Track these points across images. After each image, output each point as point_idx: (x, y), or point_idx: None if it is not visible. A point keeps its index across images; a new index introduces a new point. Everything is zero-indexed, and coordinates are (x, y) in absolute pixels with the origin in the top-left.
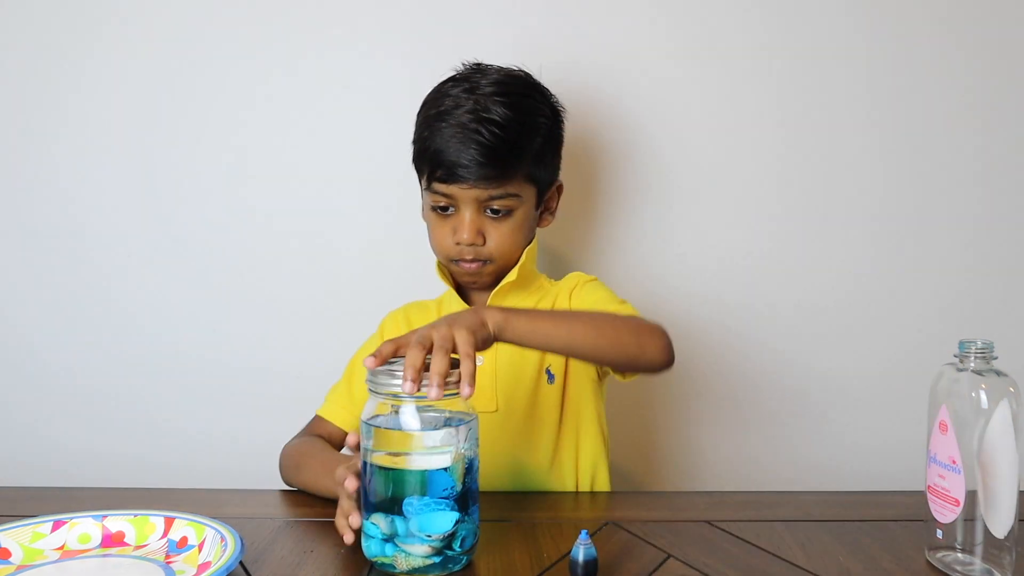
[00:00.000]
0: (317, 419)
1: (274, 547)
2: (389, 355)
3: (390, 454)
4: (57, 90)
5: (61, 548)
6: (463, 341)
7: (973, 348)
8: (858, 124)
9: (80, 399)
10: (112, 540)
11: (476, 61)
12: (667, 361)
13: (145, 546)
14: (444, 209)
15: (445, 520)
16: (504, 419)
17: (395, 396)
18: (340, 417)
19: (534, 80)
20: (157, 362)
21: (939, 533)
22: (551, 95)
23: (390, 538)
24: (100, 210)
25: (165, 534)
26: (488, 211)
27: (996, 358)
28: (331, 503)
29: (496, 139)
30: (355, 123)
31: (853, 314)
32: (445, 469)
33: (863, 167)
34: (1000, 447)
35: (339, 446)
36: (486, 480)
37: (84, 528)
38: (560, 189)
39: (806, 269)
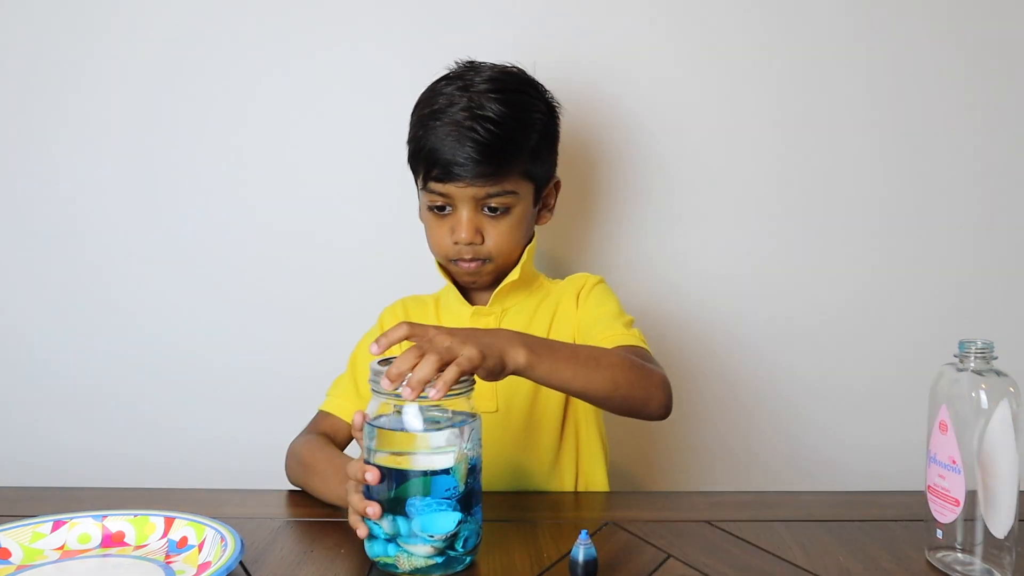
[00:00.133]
0: (321, 415)
1: (274, 547)
2: (398, 339)
3: (393, 454)
4: (57, 90)
5: (61, 548)
6: (464, 358)
7: (973, 348)
8: (858, 124)
9: (80, 399)
10: (112, 540)
11: (469, 59)
12: (662, 416)
13: (145, 546)
14: (441, 209)
15: (448, 520)
16: (504, 420)
17: (396, 396)
18: (345, 410)
19: (528, 76)
20: (157, 362)
21: (939, 533)
22: (546, 91)
23: (392, 538)
24: (100, 210)
25: (165, 534)
26: (486, 209)
27: (996, 358)
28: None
29: (492, 136)
30: (355, 123)
31: (853, 314)
32: (448, 469)
33: (863, 167)
34: (1000, 447)
35: (344, 441)
36: (486, 481)
37: (84, 528)
38: (558, 186)
39: (806, 269)
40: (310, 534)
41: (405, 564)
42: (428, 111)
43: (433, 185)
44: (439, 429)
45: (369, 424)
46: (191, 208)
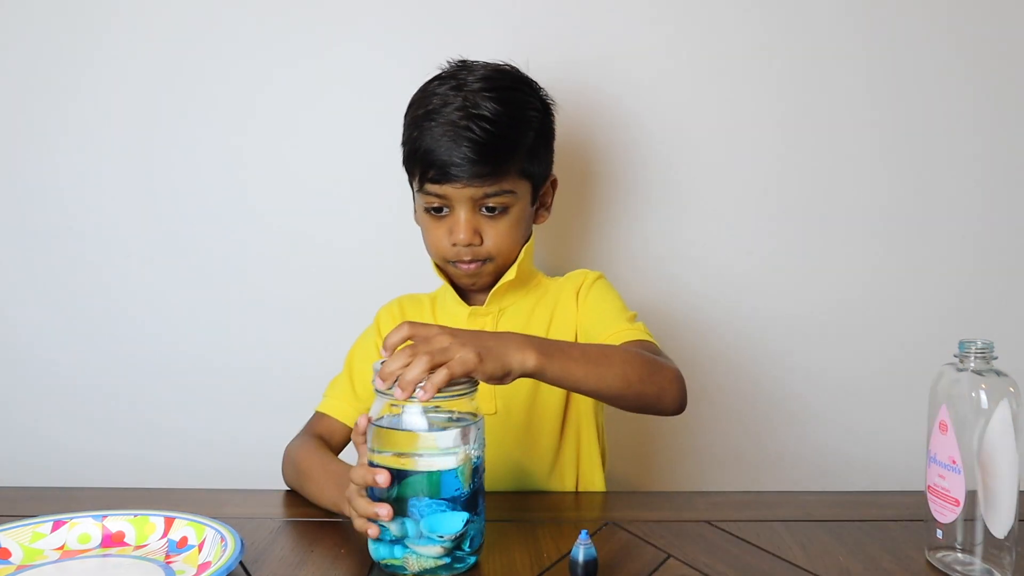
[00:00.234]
0: (318, 416)
1: (274, 547)
2: (401, 340)
3: (398, 455)
4: (57, 90)
5: (61, 548)
6: (456, 361)
7: (973, 348)
8: (858, 124)
9: (80, 399)
10: (112, 540)
11: (461, 58)
12: (677, 411)
13: (145, 546)
14: (438, 211)
15: (455, 520)
16: (503, 421)
17: (390, 395)
18: (342, 411)
19: (522, 74)
20: (157, 362)
21: (939, 533)
22: (540, 88)
23: (398, 540)
24: (100, 210)
25: (165, 534)
26: (483, 209)
27: (996, 358)
28: None
29: (487, 135)
30: (354, 123)
31: (853, 314)
32: (453, 470)
33: (863, 167)
34: (1000, 447)
35: (342, 443)
36: (487, 482)
37: (84, 528)
38: (555, 184)
39: (806, 269)
40: (310, 534)
41: (414, 565)
42: (422, 112)
43: (430, 187)
44: (442, 430)
45: (373, 424)
46: (191, 208)
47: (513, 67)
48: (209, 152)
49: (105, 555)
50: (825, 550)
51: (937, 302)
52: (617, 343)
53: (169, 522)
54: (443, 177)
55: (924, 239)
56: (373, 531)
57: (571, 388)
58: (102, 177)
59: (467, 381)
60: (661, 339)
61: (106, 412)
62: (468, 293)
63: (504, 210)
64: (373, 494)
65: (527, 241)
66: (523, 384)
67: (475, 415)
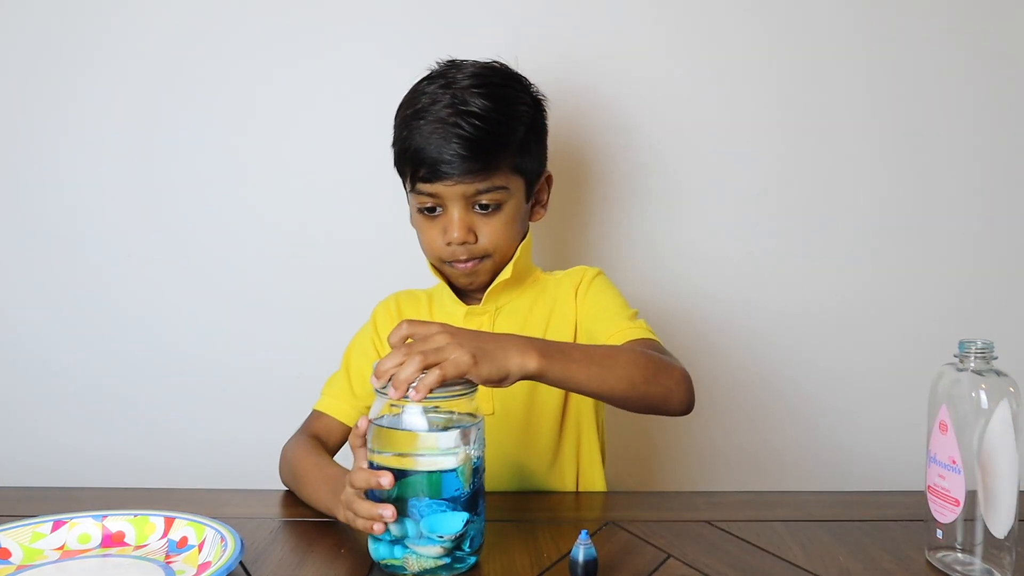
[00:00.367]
0: (315, 414)
1: (274, 547)
2: (402, 339)
3: (398, 455)
4: (57, 90)
5: (61, 548)
6: (450, 363)
7: (973, 348)
8: (858, 124)
9: (80, 399)
10: (112, 540)
11: (450, 58)
12: (686, 409)
13: (145, 546)
14: (431, 210)
15: (455, 520)
16: (501, 422)
17: (385, 393)
18: (340, 410)
19: (511, 70)
20: (157, 362)
21: (939, 533)
22: (530, 84)
23: (398, 540)
24: (100, 210)
25: (165, 534)
26: (477, 207)
27: (996, 358)
28: None
29: (477, 131)
30: (353, 122)
31: (853, 314)
32: (453, 470)
33: (863, 166)
34: (1000, 447)
35: (339, 442)
36: (487, 482)
37: (84, 528)
38: (550, 181)
39: (806, 268)
40: (310, 534)
41: (414, 565)
42: (411, 111)
43: (421, 186)
44: (442, 430)
45: (373, 423)
46: (191, 208)
47: (503, 64)
48: (209, 152)
49: (105, 555)
50: (825, 550)
51: (937, 302)
52: (620, 342)
53: (169, 522)
54: (434, 175)
55: (924, 239)
56: (378, 527)
57: (574, 390)
58: (101, 177)
59: (464, 382)
60: (660, 339)
61: (106, 412)
62: (465, 292)
63: (498, 207)
64: (374, 494)
65: (523, 238)
66: (521, 384)
67: (475, 415)
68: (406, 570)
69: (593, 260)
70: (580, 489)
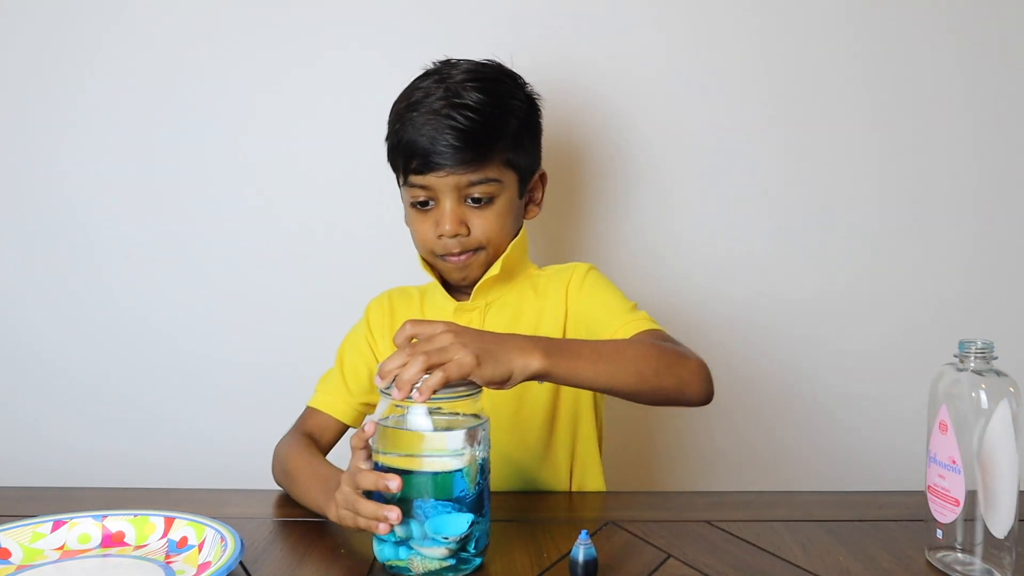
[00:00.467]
0: (309, 411)
1: (274, 547)
2: (407, 339)
3: (403, 456)
4: (58, 89)
5: (61, 548)
6: (453, 364)
7: (973, 348)
8: (857, 123)
9: (80, 399)
10: (112, 540)
11: (446, 57)
12: (705, 399)
13: (145, 546)
14: (424, 204)
15: (460, 522)
16: (490, 415)
17: (388, 393)
18: (334, 407)
19: (506, 68)
20: (158, 362)
21: (939, 533)
22: (525, 83)
23: (403, 541)
24: (100, 210)
25: (165, 534)
26: (469, 201)
27: (996, 358)
28: None
29: (471, 122)
30: (350, 122)
31: (853, 314)
32: (458, 471)
33: (861, 166)
34: (1000, 447)
35: (333, 439)
36: None
37: (84, 528)
38: (544, 179)
39: (805, 269)
40: (310, 534)
41: (418, 567)
42: (405, 105)
43: (414, 178)
44: (448, 431)
45: (380, 425)
46: (192, 208)
47: (498, 62)
48: (209, 152)
49: (105, 555)
50: (825, 550)
51: (937, 302)
52: (628, 336)
53: (169, 522)
54: (426, 167)
55: (923, 239)
56: (384, 528)
57: (582, 387)
58: (100, 177)
59: (468, 383)
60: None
61: (106, 412)
62: (455, 289)
63: (490, 200)
64: (378, 494)
65: (516, 235)
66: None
67: (480, 416)
68: (411, 571)
69: (590, 257)
70: (577, 484)
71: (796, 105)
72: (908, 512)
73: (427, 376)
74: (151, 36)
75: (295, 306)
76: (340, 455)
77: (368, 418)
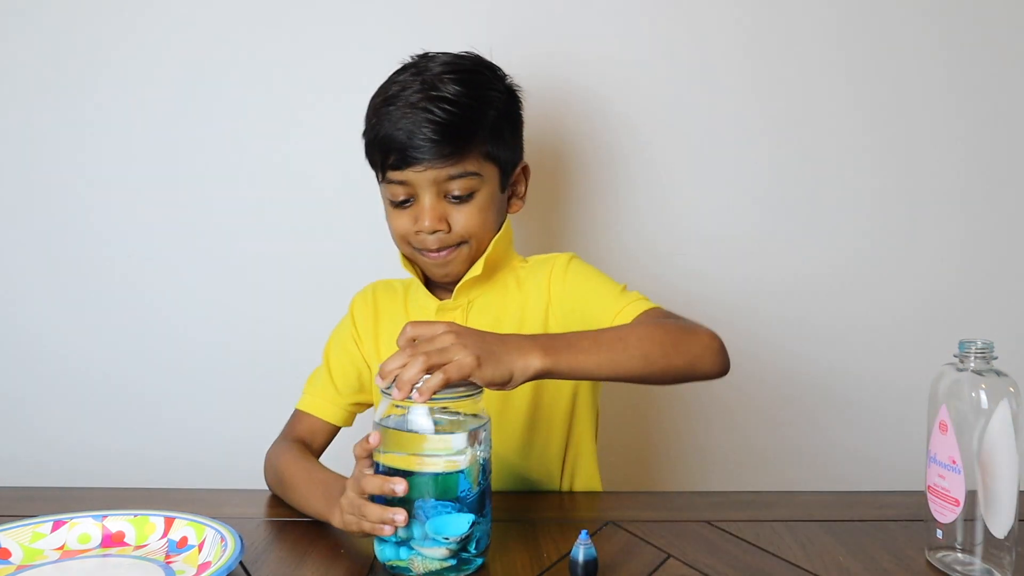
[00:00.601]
0: (298, 415)
1: (274, 547)
2: (406, 346)
3: (404, 456)
4: (62, 90)
5: (61, 548)
6: (454, 365)
7: (973, 348)
8: (854, 122)
9: (81, 398)
10: (112, 540)
11: (424, 51)
12: (720, 371)
13: (145, 546)
14: (404, 202)
15: (461, 522)
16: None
17: (388, 393)
18: (324, 410)
19: (484, 59)
20: (159, 362)
21: (939, 533)
22: (505, 74)
23: (404, 541)
24: (101, 209)
25: (165, 534)
26: (450, 197)
27: (996, 358)
28: None
29: (448, 115)
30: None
31: (852, 314)
32: (460, 472)
33: (858, 165)
34: (1000, 447)
35: (325, 442)
36: None
37: (84, 528)
38: (527, 172)
39: (805, 268)
40: (310, 534)
41: (419, 567)
42: (381, 99)
43: (392, 174)
44: (449, 431)
45: (381, 425)
46: (192, 207)
47: (476, 54)
48: (209, 152)
49: (105, 555)
50: (825, 550)
51: (937, 302)
52: (629, 319)
53: (169, 522)
54: (403, 161)
55: (923, 238)
56: (388, 529)
57: (589, 379)
58: (103, 178)
59: (468, 384)
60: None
61: (107, 412)
62: (437, 286)
63: (470, 195)
64: (381, 496)
65: (499, 229)
66: None
67: (481, 416)
68: (412, 571)
69: (576, 249)
70: (572, 480)
71: (799, 107)
72: (908, 512)
73: (428, 377)
74: (151, 36)
75: (298, 306)
76: (333, 455)
77: (373, 432)
